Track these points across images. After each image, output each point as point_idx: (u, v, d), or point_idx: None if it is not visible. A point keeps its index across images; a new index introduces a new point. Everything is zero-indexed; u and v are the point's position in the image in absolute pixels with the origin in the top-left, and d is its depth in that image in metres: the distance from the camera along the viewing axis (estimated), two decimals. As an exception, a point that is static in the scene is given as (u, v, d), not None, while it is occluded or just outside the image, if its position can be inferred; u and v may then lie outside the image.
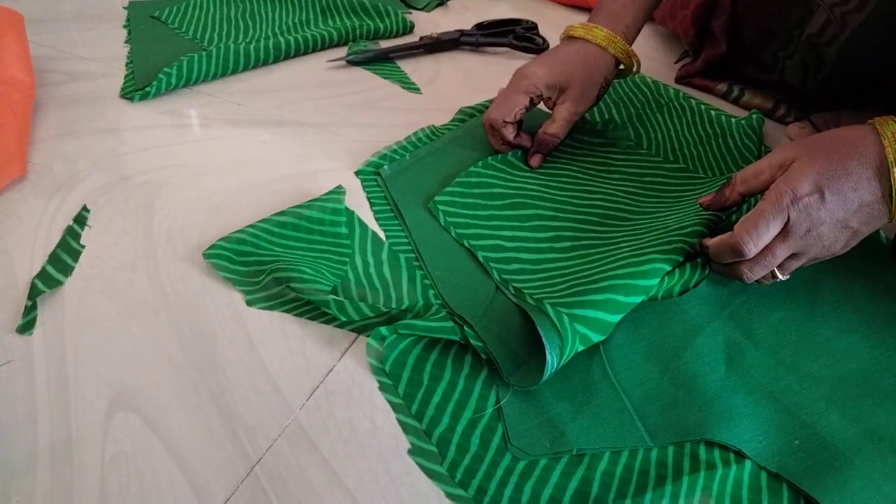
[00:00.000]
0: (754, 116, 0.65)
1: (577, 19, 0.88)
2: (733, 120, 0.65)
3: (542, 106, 0.65)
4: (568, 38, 0.60)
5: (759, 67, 0.71)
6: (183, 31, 0.74)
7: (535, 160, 0.59)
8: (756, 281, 0.44)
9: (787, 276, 0.44)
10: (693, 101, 0.68)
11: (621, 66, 0.60)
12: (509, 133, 0.57)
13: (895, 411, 0.40)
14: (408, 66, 0.76)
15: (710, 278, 0.47)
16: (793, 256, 0.43)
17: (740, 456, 0.37)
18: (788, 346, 0.43)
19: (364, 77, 0.74)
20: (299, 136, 0.64)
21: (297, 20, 0.79)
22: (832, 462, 0.37)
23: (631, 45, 0.59)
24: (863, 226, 0.41)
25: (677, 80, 0.76)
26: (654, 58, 0.81)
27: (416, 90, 0.73)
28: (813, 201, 0.40)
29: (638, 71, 0.61)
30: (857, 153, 0.40)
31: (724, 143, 0.63)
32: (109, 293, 0.45)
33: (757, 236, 0.41)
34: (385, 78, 0.74)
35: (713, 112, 0.66)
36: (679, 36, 0.78)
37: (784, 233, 0.41)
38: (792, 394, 0.40)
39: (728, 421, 0.38)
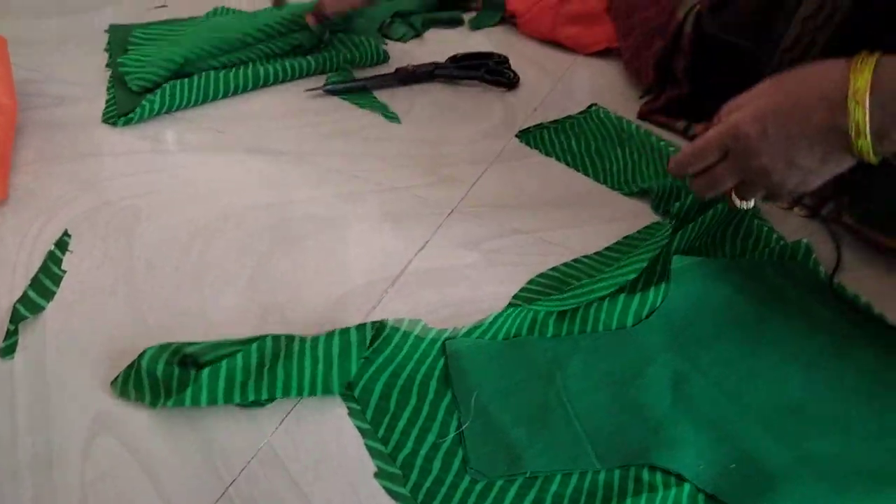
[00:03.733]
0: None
1: (553, 56, 0.93)
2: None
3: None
4: None
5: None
6: (157, 57, 0.76)
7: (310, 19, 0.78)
8: (727, 205, 0.49)
9: (751, 204, 0.48)
10: (653, 139, 0.71)
11: None
12: None
13: (825, 437, 0.43)
14: (383, 97, 0.79)
15: (662, 310, 0.50)
16: (746, 185, 0.46)
17: (680, 479, 0.40)
18: (731, 376, 0.47)
19: (341, 107, 0.77)
20: (279, 164, 0.66)
21: (276, 48, 0.82)
22: (765, 484, 0.40)
23: None
24: (819, 164, 0.42)
25: (639, 117, 0.80)
26: (620, 92, 0.85)
27: (397, 119, 0.75)
28: (753, 132, 0.43)
29: None
30: (817, 87, 0.42)
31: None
32: (90, 318, 0.47)
33: (696, 153, 0.47)
34: (363, 108, 0.77)
35: (671, 149, 0.70)
36: (641, 76, 0.83)
37: (726, 158, 0.46)
38: (731, 421, 0.44)
39: (671, 447, 0.41)
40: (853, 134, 0.40)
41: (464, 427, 0.42)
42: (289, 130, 0.71)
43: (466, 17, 1.02)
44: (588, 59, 0.93)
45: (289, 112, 0.75)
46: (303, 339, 0.44)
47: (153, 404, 0.41)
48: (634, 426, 0.43)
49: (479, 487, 0.39)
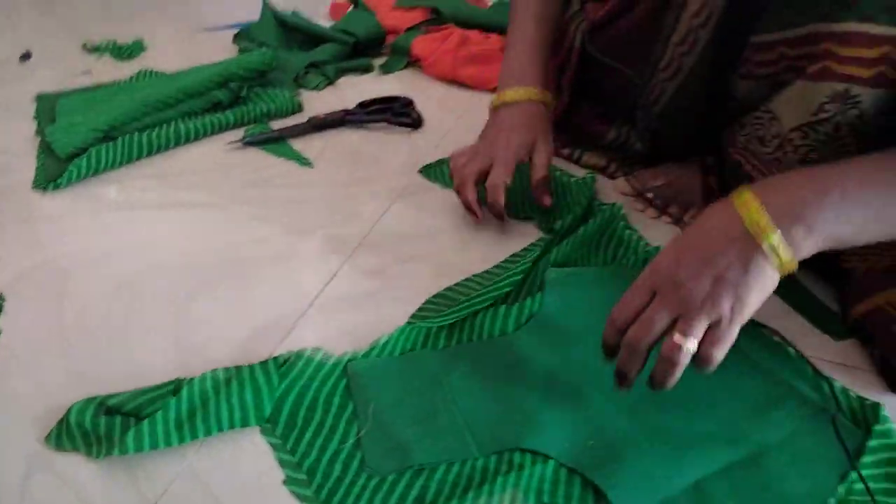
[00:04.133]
0: (588, 177, 0.77)
1: (455, 94, 1.01)
2: (572, 179, 0.78)
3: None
4: (504, 104, 0.73)
5: (598, 124, 0.84)
6: (83, 125, 0.82)
7: (547, 200, 0.70)
8: (673, 359, 0.44)
9: (695, 344, 0.44)
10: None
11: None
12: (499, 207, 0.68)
13: (668, 412, 0.51)
14: (298, 145, 0.86)
15: (538, 315, 0.58)
16: (683, 318, 0.45)
17: (546, 457, 0.48)
18: (594, 368, 0.53)
19: (259, 157, 0.84)
20: (199, 215, 0.72)
21: (196, 106, 0.88)
22: (614, 454, 0.47)
23: (547, 87, 0.75)
24: (743, 273, 0.44)
25: None
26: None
27: (310, 165, 0.83)
28: (669, 262, 0.46)
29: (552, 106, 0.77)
30: (715, 217, 0.46)
31: (563, 199, 0.75)
32: (26, 375, 0.53)
33: (623, 302, 0.47)
34: (278, 156, 0.84)
35: (556, 172, 0.79)
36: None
37: (655, 299, 0.46)
38: (593, 406, 0.51)
39: (539, 432, 0.49)
40: (757, 233, 0.44)
41: (361, 433, 0.49)
42: (209, 183, 0.78)
43: (377, 62, 1.11)
44: (489, 94, 1.02)
45: (210, 166, 0.82)
46: (217, 386, 0.50)
47: (94, 454, 0.46)
48: (510, 417, 0.50)
49: (373, 483, 0.46)
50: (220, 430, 0.48)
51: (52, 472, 0.45)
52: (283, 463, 0.47)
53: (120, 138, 0.80)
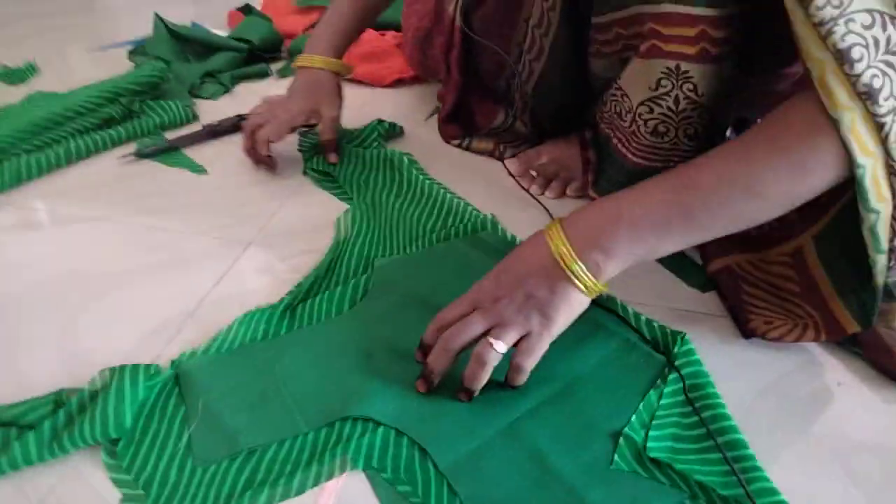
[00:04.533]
0: (489, 219, 0.71)
1: (352, 91, 1.02)
2: (469, 208, 0.73)
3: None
4: (299, 68, 0.84)
5: (488, 106, 0.87)
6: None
7: (332, 157, 0.82)
8: (483, 357, 0.49)
9: (504, 347, 0.49)
10: (435, 188, 0.76)
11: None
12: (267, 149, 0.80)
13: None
14: (192, 153, 0.87)
15: (365, 300, 0.61)
16: (497, 328, 0.49)
17: (376, 426, 0.49)
18: (408, 341, 0.55)
19: (152, 168, 0.84)
20: (93, 229, 0.73)
21: (87, 123, 0.88)
22: (433, 412, 0.50)
23: (341, 56, 0.85)
24: (550, 294, 0.49)
25: (440, 123, 0.91)
26: (408, 115, 0.97)
27: (203, 171, 0.84)
28: (489, 282, 0.52)
29: (349, 74, 0.88)
30: (530, 246, 0.52)
31: (455, 229, 0.71)
32: None
33: (447, 311, 0.52)
34: (172, 166, 0.85)
35: (449, 196, 0.75)
36: (434, 76, 0.93)
37: (475, 310, 0.51)
38: (409, 374, 0.53)
39: (365, 401, 0.51)
40: (561, 260, 0.49)
41: (190, 429, 0.49)
42: (102, 197, 0.78)
43: (276, 67, 1.12)
44: (384, 90, 1.05)
45: (103, 181, 0.82)
46: (81, 400, 0.50)
47: None
48: (338, 391, 0.52)
49: (207, 476, 0.46)
50: (85, 444, 0.47)
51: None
52: (118, 483, 0.46)
53: (6, 161, 0.80)
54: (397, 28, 1.13)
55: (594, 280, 0.49)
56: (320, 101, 0.81)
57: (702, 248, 0.67)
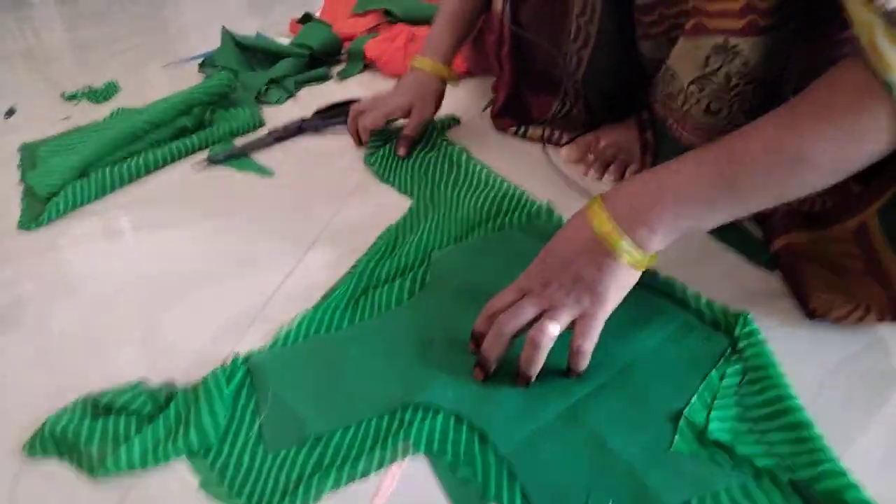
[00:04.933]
0: (545, 205, 0.72)
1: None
2: (525, 195, 0.75)
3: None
4: (410, 69, 0.89)
5: (544, 98, 0.87)
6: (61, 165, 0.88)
7: (401, 151, 0.86)
8: (537, 340, 0.49)
9: (558, 329, 0.49)
10: (491, 177, 0.78)
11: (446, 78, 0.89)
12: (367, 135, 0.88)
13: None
14: (259, 157, 0.91)
15: (427, 288, 0.63)
16: (549, 311, 0.50)
17: (436, 412, 0.50)
18: (467, 330, 0.56)
19: (222, 173, 0.89)
20: (171, 234, 0.77)
21: (164, 135, 0.94)
22: (492, 396, 0.51)
23: (450, 62, 0.89)
24: (598, 272, 0.49)
25: (493, 118, 0.92)
26: (466, 110, 0.98)
27: (270, 174, 0.88)
28: (536, 268, 0.52)
29: (456, 81, 0.91)
30: (572, 227, 0.52)
31: (511, 217, 0.72)
32: (13, 391, 0.58)
33: (497, 299, 0.53)
34: (240, 170, 0.89)
35: (506, 184, 0.76)
36: (487, 71, 0.94)
37: (525, 296, 0.52)
38: (470, 362, 0.53)
39: (427, 388, 0.52)
40: (605, 238, 0.49)
41: (260, 418, 0.52)
42: (178, 203, 0.83)
43: (336, 70, 1.15)
44: (441, 85, 1.06)
45: (178, 188, 0.87)
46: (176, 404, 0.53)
47: (72, 462, 0.50)
48: (397, 381, 0.53)
49: (277, 461, 0.49)
50: (185, 454, 0.50)
51: (40, 475, 0.51)
52: (196, 467, 0.49)
53: (93, 174, 0.86)
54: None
55: (641, 253, 0.49)
56: (418, 100, 0.86)
57: (765, 225, 0.65)
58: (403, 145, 0.86)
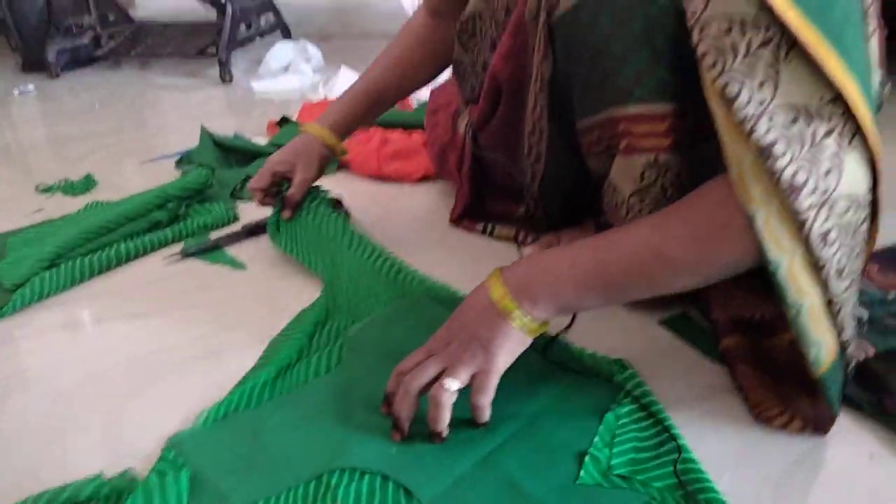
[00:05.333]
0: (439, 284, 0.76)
1: (383, 188, 1.10)
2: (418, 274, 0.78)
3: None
4: (301, 131, 0.92)
5: (506, 205, 0.92)
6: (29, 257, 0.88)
7: (285, 214, 0.86)
8: (437, 398, 0.53)
9: (455, 384, 0.53)
10: (382, 256, 0.80)
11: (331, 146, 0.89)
12: (259, 197, 0.88)
13: (458, 410, 0.55)
14: (233, 250, 0.93)
15: (343, 362, 0.66)
16: (450, 368, 0.54)
17: (362, 474, 0.52)
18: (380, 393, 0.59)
19: (196, 266, 0.90)
20: (140, 325, 0.77)
21: (137, 228, 0.96)
22: (413, 452, 0.54)
23: (341, 134, 0.90)
24: (490, 332, 0.54)
25: (451, 222, 0.96)
26: (437, 210, 1.02)
27: (243, 267, 0.89)
28: (441, 332, 0.58)
29: (341, 153, 0.91)
30: (474, 295, 0.58)
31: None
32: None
33: (406, 361, 0.57)
34: (213, 263, 0.90)
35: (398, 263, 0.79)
36: (450, 181, 0.99)
37: (431, 357, 0.56)
38: (389, 425, 0.56)
39: (349, 452, 0.54)
40: (498, 303, 0.55)
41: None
42: (149, 295, 0.84)
43: (310, 169, 1.20)
44: (412, 186, 1.11)
45: (150, 279, 0.87)
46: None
47: None
48: (320, 448, 0.55)
49: None
50: None
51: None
52: None
53: (62, 264, 0.86)
54: (423, 128, 1.20)
55: (530, 319, 0.55)
56: (301, 160, 0.87)
57: (714, 324, 0.68)
58: (287, 207, 0.87)
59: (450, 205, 1.02)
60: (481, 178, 0.92)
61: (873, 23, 0.51)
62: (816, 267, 0.46)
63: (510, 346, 0.55)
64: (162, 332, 0.76)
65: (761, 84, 0.43)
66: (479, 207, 0.95)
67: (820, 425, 0.55)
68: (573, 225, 0.87)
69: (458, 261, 0.87)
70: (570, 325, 0.65)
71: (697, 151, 0.57)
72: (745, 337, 0.64)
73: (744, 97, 0.43)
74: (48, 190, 1.19)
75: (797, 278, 0.46)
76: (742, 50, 0.44)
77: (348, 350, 0.68)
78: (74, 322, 0.79)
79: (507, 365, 0.55)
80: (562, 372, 0.63)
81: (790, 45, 0.43)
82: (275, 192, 0.89)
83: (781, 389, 0.58)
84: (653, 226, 0.54)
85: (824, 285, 0.47)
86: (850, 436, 0.56)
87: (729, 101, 0.44)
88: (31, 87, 1.96)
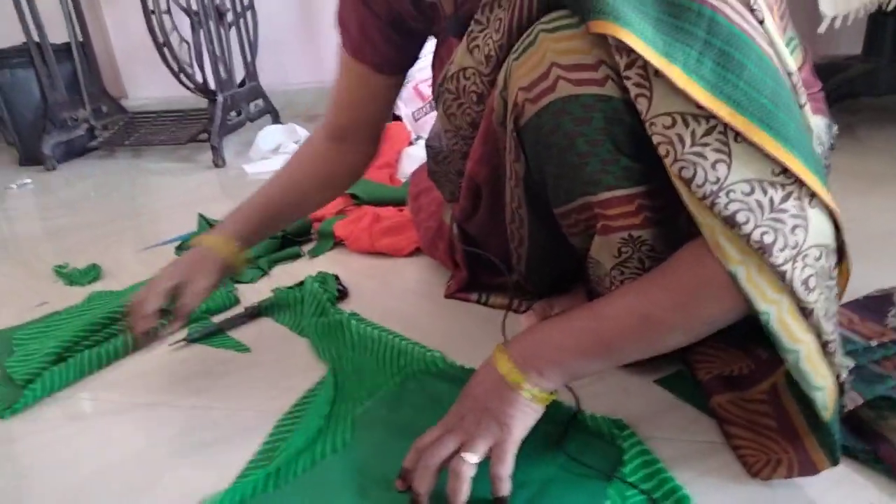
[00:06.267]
0: (438, 356, 0.79)
1: (377, 263, 1.14)
2: (418, 349, 0.81)
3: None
4: (189, 246, 0.88)
5: (499, 276, 0.96)
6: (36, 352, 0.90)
7: (175, 326, 0.82)
8: (457, 470, 0.55)
9: (475, 457, 0.56)
10: (382, 336, 0.84)
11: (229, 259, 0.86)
12: (150, 321, 0.80)
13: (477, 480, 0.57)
14: (236, 333, 0.95)
15: (349, 447, 0.67)
16: (467, 443, 0.56)
17: None
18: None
19: (200, 351, 0.92)
20: (150, 414, 0.79)
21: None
22: None
23: (243, 246, 0.88)
24: (502, 404, 0.57)
25: (446, 297, 0.99)
26: (427, 280, 1.06)
27: (246, 350, 0.91)
28: (454, 409, 0.60)
29: (240, 265, 0.88)
30: (482, 370, 0.61)
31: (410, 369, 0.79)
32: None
33: (423, 438, 0.59)
34: (218, 347, 0.92)
35: (398, 340, 0.83)
36: (442, 264, 1.03)
37: (447, 432, 0.58)
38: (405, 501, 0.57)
39: None
40: (507, 376, 0.58)
41: None
42: (157, 384, 0.86)
43: (306, 248, 1.24)
44: (404, 260, 1.15)
45: (156, 367, 0.89)
46: None
47: None
48: None
49: None
50: None
51: None
52: None
53: (70, 358, 0.88)
54: (412, 204, 1.25)
55: (538, 390, 0.58)
56: (195, 271, 0.83)
57: (701, 384, 0.71)
58: (179, 318, 0.82)
59: (441, 275, 1.06)
60: (475, 258, 0.95)
61: (804, 94, 0.58)
62: (805, 312, 0.50)
63: (523, 417, 0.58)
64: (171, 421, 0.77)
65: (714, 164, 0.49)
66: (472, 281, 0.98)
67: (805, 468, 0.57)
68: (564, 292, 0.90)
69: (455, 330, 0.90)
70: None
71: (668, 224, 0.62)
72: (729, 393, 0.67)
73: (699, 177, 0.49)
74: (61, 269, 1.23)
75: (788, 326, 0.50)
76: (688, 139, 0.49)
77: (359, 428, 0.69)
78: (81, 415, 0.81)
79: (523, 435, 0.58)
80: (564, 435, 0.65)
81: (735, 129, 0.48)
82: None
83: (764, 439, 0.62)
84: (637, 292, 0.58)
85: (816, 329, 0.51)
86: (849, 486, 0.58)
87: (687, 182, 0.49)
88: (27, 181, 2.01)
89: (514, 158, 0.67)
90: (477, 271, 0.97)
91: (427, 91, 1.73)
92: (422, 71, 1.75)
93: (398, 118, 1.77)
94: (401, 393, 0.75)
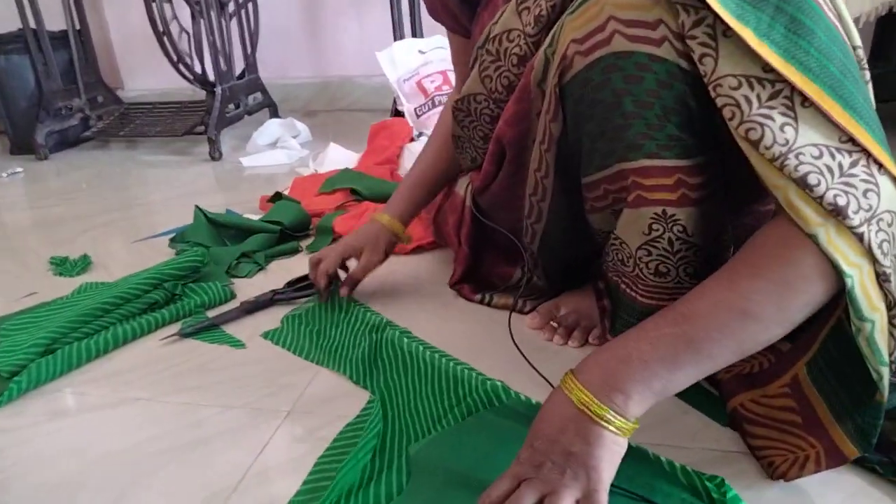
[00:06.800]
0: (500, 386, 0.69)
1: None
2: (475, 376, 0.71)
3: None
4: (369, 220, 0.98)
5: (504, 268, 0.94)
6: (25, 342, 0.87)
7: (343, 291, 0.93)
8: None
9: None
10: (438, 360, 0.74)
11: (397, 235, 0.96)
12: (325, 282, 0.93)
13: None
14: (231, 329, 0.93)
15: (406, 493, 0.60)
16: (551, 496, 0.50)
17: None
18: None
19: (193, 346, 0.89)
20: (140, 410, 0.76)
21: (134, 309, 0.95)
22: None
23: (406, 222, 0.97)
24: (586, 444, 0.50)
25: (450, 286, 0.97)
26: (433, 279, 1.03)
27: (241, 346, 0.88)
28: (526, 453, 0.52)
29: (407, 242, 1.00)
30: (551, 404, 0.53)
31: (471, 402, 0.69)
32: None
33: (491, 490, 0.52)
34: (211, 343, 0.89)
35: (453, 366, 0.73)
36: (448, 245, 1.01)
37: (521, 483, 0.51)
38: None
39: None
40: (586, 409, 0.50)
41: None
42: (148, 378, 0.82)
43: (304, 244, 1.21)
44: (406, 257, 1.12)
45: (148, 362, 0.86)
46: None
47: None
48: None
49: None
50: None
51: None
52: None
53: (58, 350, 0.85)
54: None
55: (623, 419, 0.50)
56: (369, 245, 0.94)
57: (718, 389, 0.69)
58: (347, 285, 0.93)
59: (444, 273, 1.03)
60: (480, 239, 0.93)
61: (867, 72, 0.56)
62: (881, 278, 0.48)
63: (611, 457, 0.51)
64: (162, 417, 0.74)
65: (782, 127, 0.47)
66: (477, 271, 0.96)
67: (833, 458, 0.54)
68: (572, 291, 0.88)
69: (460, 328, 0.88)
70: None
71: (701, 209, 0.59)
72: (750, 391, 0.64)
73: (768, 138, 0.47)
74: (52, 265, 1.19)
75: (868, 292, 0.48)
76: (755, 101, 0.47)
77: (416, 472, 0.62)
78: (70, 409, 0.78)
79: (612, 478, 0.51)
80: (647, 489, 0.56)
81: (802, 95, 0.47)
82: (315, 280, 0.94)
83: (788, 436, 0.59)
84: (724, 285, 0.52)
85: (890, 298, 0.48)
86: (864, 499, 0.56)
87: (755, 144, 0.47)
88: (19, 169, 1.98)
89: (551, 118, 0.65)
90: (482, 255, 0.95)
91: (431, 86, 1.71)
92: (426, 66, 1.75)
93: (400, 114, 1.74)
94: (459, 432, 0.66)
